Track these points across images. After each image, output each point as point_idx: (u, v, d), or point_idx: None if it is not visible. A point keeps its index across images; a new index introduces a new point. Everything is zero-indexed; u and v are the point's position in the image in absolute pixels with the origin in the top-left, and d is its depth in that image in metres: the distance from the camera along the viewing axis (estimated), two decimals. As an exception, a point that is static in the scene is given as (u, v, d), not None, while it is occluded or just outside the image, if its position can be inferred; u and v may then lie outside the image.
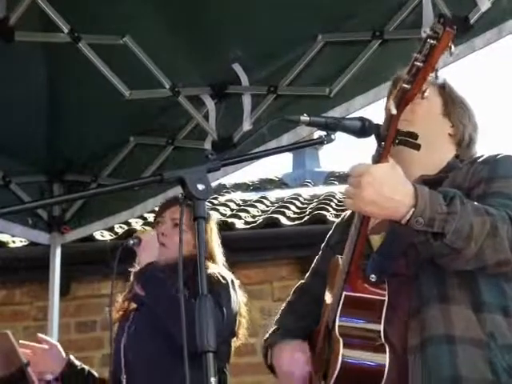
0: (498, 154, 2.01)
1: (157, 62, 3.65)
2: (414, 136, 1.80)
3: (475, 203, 1.79)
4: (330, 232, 2.33)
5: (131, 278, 2.94)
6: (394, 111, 1.75)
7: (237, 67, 3.81)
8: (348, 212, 2.28)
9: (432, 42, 1.65)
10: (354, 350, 1.84)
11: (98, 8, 3.39)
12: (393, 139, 1.78)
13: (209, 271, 2.83)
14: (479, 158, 2.04)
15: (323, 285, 2.13)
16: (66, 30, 3.39)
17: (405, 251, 1.92)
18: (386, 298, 1.87)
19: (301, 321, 2.23)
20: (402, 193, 1.72)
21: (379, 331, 1.87)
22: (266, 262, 6.17)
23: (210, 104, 3.98)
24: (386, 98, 2.19)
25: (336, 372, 1.83)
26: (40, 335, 3.13)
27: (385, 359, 1.83)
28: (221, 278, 2.77)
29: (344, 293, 1.89)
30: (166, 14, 3.49)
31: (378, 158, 1.78)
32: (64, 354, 3.05)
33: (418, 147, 1.80)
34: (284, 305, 2.35)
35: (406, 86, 1.71)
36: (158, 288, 2.76)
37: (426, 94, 1.73)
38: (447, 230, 1.71)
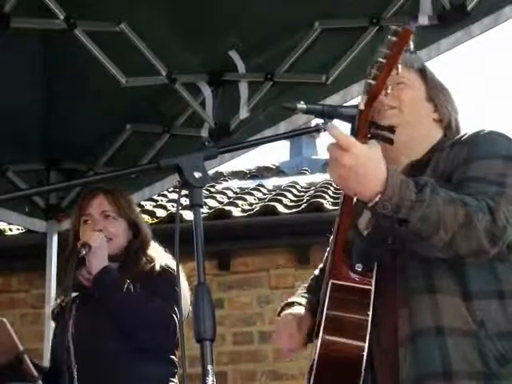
0: (480, 132, 1.98)
1: (153, 49, 3.62)
2: (392, 130, 1.84)
3: (450, 192, 1.77)
4: None
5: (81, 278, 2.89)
6: (361, 106, 1.82)
7: (233, 54, 3.79)
8: None
9: (393, 38, 1.74)
10: (335, 336, 1.85)
11: (93, -5, 3.38)
12: (366, 133, 1.84)
13: (162, 262, 2.86)
14: (462, 137, 2.02)
15: None
16: (61, 17, 3.37)
17: (392, 240, 1.90)
18: (373, 288, 1.87)
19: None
20: (373, 178, 1.71)
21: (367, 320, 1.86)
22: (262, 249, 6.18)
23: (207, 91, 3.97)
24: None
25: (317, 356, 1.86)
26: None
27: (364, 345, 1.83)
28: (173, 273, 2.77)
29: (331, 281, 1.89)
30: (163, 1, 3.47)
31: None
32: None
33: (391, 142, 1.85)
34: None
35: (371, 81, 1.80)
36: (121, 292, 2.77)
37: (388, 91, 1.82)
38: (412, 217, 1.70)
